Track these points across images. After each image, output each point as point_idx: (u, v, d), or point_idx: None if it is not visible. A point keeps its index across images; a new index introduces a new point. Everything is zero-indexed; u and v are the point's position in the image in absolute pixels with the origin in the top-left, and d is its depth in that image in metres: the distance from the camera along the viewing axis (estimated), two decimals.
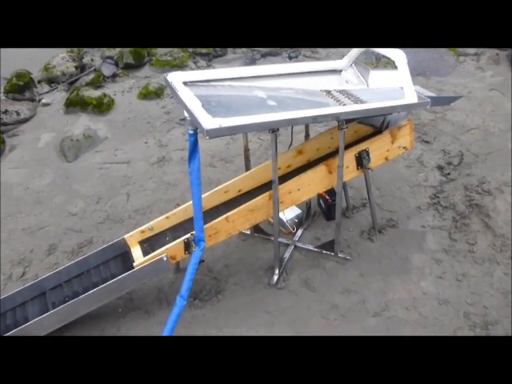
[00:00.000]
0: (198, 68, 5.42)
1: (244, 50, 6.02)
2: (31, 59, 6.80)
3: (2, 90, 5.12)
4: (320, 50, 5.75)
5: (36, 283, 2.59)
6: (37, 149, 4.21)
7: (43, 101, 4.96)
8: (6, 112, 4.63)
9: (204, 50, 5.75)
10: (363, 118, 2.75)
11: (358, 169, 2.66)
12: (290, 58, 5.57)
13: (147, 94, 4.80)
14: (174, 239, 2.49)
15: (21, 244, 3.20)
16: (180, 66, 5.33)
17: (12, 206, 3.56)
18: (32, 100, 5.02)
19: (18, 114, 4.65)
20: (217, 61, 5.69)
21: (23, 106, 4.78)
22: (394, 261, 2.85)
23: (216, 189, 2.73)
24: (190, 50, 5.83)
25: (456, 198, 3.24)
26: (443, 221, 3.10)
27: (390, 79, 2.66)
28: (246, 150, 2.81)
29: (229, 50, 6.00)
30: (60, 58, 5.48)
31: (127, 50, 5.51)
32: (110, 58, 5.69)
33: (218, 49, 5.82)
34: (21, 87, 5.05)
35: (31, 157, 4.10)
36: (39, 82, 5.36)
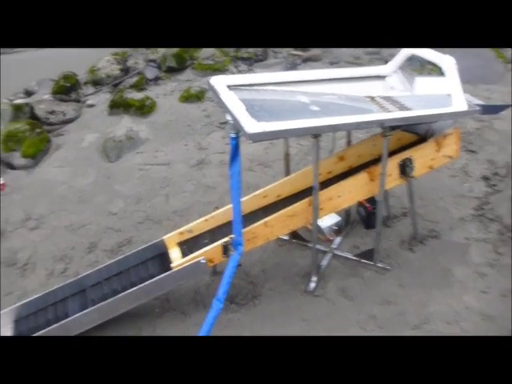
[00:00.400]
0: (239, 72, 5.44)
1: (285, 54, 6.02)
2: (78, 61, 7.02)
3: (50, 90, 5.30)
4: (363, 55, 5.68)
5: (77, 280, 2.65)
6: (81, 148, 4.32)
7: (88, 102, 5.10)
8: (52, 112, 4.78)
9: (245, 55, 5.78)
10: (407, 126, 2.69)
11: (400, 177, 2.60)
12: (332, 63, 5.52)
13: (188, 97, 4.85)
14: (213, 242, 2.50)
15: (63, 241, 3.29)
16: (221, 70, 5.37)
17: (56, 203, 3.66)
18: (77, 101, 5.16)
19: (63, 114, 4.79)
20: (258, 65, 5.71)
21: (69, 106, 4.93)
22: (436, 273, 2.77)
23: (255, 193, 2.72)
24: (232, 54, 5.87)
25: (502, 210, 3.12)
26: (488, 233, 2.99)
27: (436, 86, 2.59)
28: (287, 155, 2.80)
29: (270, 54, 6.02)
30: (105, 61, 5.62)
31: (170, 53, 5.60)
32: (153, 61, 5.80)
33: (259, 53, 5.84)
34: (67, 88, 5.20)
35: (75, 156, 4.22)
36: (85, 83, 5.51)
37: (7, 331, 2.47)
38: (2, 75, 7.42)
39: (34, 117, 4.76)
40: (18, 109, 4.72)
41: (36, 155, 4.18)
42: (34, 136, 4.27)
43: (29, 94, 5.82)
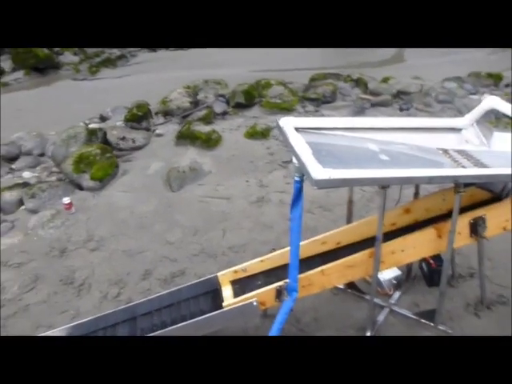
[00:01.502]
0: (306, 112, 5.47)
1: (353, 97, 6.00)
2: (152, 91, 7.36)
3: (123, 118, 5.55)
4: (434, 103, 5.55)
5: (129, 307, 2.66)
6: (146, 176, 4.45)
7: (157, 131, 5.29)
8: (123, 138, 4.99)
9: (313, 95, 5.82)
10: (482, 183, 2.55)
11: (471, 236, 2.44)
12: (402, 109, 5.43)
13: (254, 134, 4.91)
14: (266, 284, 2.44)
15: (119, 265, 3.35)
16: (288, 110, 5.43)
17: (117, 227, 3.76)
18: (147, 130, 5.37)
19: (133, 141, 4.99)
20: (325, 107, 5.72)
21: (139, 134, 5.13)
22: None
23: (314, 238, 2.65)
24: (300, 94, 5.92)
25: None
26: None
27: None
28: (350, 201, 2.72)
29: (338, 96, 6.02)
30: (177, 93, 5.84)
31: (240, 89, 5.74)
32: (223, 96, 5.96)
33: (327, 94, 5.86)
34: (139, 117, 5.44)
35: (140, 183, 4.34)
36: (156, 113, 5.74)
37: None
38: (81, 100, 7.92)
39: (105, 141, 4.98)
40: (91, 133, 4.96)
41: (104, 178, 4.34)
42: (103, 160, 4.45)
43: (103, 119, 6.15)
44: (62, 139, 4.82)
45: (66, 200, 3.92)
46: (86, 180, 4.31)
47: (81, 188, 4.32)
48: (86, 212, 3.96)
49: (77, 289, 3.17)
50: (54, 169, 4.80)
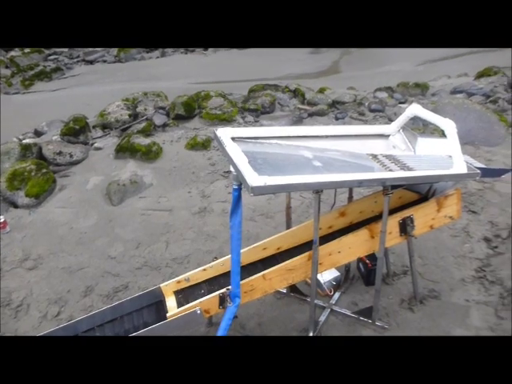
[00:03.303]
0: (246, 123, 5.56)
1: (291, 108, 6.17)
2: (88, 104, 7.21)
3: (59, 132, 5.41)
4: (367, 112, 5.81)
5: (69, 325, 2.59)
6: (85, 190, 4.36)
7: (96, 145, 5.19)
8: (60, 153, 4.86)
9: (252, 106, 5.92)
10: (409, 184, 2.71)
11: (401, 235, 2.59)
12: (337, 118, 5.64)
13: (194, 145, 4.94)
14: (210, 292, 2.47)
15: (59, 283, 3.26)
16: (228, 120, 5.49)
17: (55, 244, 3.66)
18: (85, 143, 5.26)
19: (71, 156, 4.87)
20: (264, 117, 5.84)
21: (77, 148, 5.01)
22: (435, 334, 2.71)
23: (255, 245, 2.71)
24: (239, 105, 6.02)
25: (504, 273, 3.09)
26: (489, 296, 2.95)
27: (437, 147, 2.63)
28: (288, 207, 2.81)
29: (277, 106, 6.16)
30: (115, 106, 5.77)
31: (179, 101, 5.75)
32: (163, 108, 5.95)
33: (266, 105, 5.98)
34: (76, 131, 5.32)
35: (79, 198, 4.25)
36: (94, 126, 5.63)
37: None
38: (14, 114, 7.62)
39: (41, 157, 4.83)
40: (26, 148, 4.80)
41: (40, 195, 4.21)
42: (39, 176, 4.32)
43: (38, 134, 5.95)
44: None
45: (0, 218, 3.77)
46: (20, 197, 4.17)
47: (16, 206, 4.17)
48: (21, 230, 3.83)
49: (14, 310, 3.05)
50: None
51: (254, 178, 1.95)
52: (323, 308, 2.88)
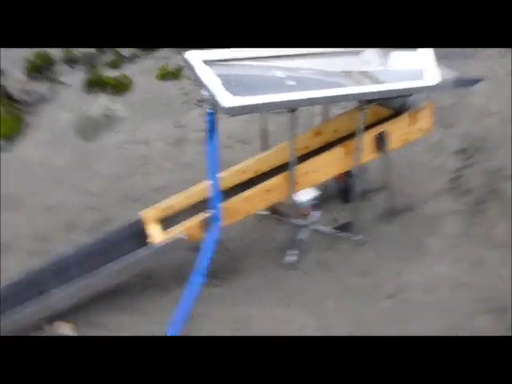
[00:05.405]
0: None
1: None
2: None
3: (24, 70, 5.17)
4: None
5: (56, 260, 2.65)
6: (57, 128, 4.24)
7: (63, 81, 4.99)
8: (26, 91, 4.67)
9: None
10: (383, 100, 2.72)
11: (376, 151, 2.64)
12: None
13: (165, 75, 4.78)
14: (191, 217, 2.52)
15: (42, 221, 3.26)
16: None
17: (33, 183, 3.61)
18: (52, 80, 5.06)
19: (38, 93, 4.69)
20: None
21: (44, 85, 4.82)
22: (411, 244, 2.85)
23: (233, 168, 2.74)
24: None
25: (475, 183, 3.20)
26: (461, 205, 3.07)
27: (411, 60, 2.62)
28: (264, 130, 2.81)
29: None
30: None
31: None
32: None
33: None
34: (42, 67, 5.08)
35: (51, 135, 4.14)
36: (60, 62, 5.39)
37: None
38: None
39: (7, 97, 4.65)
40: None
41: (10, 135, 4.10)
42: (7, 116, 4.18)
43: (1, 73, 5.66)
44: None
45: None
46: None
47: None
48: None
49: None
50: None
51: (228, 99, 1.95)
52: (303, 226, 2.97)
